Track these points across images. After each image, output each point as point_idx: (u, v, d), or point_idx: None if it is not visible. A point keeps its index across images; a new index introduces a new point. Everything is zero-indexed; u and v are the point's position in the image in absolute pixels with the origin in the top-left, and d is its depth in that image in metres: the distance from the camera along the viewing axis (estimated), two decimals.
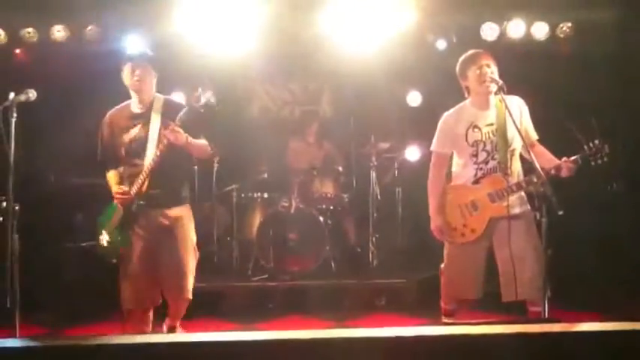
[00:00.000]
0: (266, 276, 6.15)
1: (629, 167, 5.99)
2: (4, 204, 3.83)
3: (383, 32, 6.32)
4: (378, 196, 6.81)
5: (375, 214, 6.72)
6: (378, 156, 6.84)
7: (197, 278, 4.55)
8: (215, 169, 6.49)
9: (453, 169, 4.22)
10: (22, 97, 3.96)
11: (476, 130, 4.08)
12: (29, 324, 4.46)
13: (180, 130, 4.06)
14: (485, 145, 4.06)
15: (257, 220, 6.61)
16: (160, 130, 4.17)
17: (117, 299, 4.37)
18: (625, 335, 2.15)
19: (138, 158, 4.21)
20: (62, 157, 6.43)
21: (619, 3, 6.12)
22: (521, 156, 4.09)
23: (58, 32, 6.29)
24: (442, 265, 4.27)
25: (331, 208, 6.59)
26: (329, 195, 6.61)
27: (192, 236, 4.31)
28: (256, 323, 5.39)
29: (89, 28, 6.29)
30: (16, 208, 3.84)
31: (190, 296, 4.26)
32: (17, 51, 6.50)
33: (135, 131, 4.25)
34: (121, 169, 4.30)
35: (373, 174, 6.76)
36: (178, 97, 6.94)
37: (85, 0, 6.18)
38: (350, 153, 7.35)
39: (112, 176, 4.33)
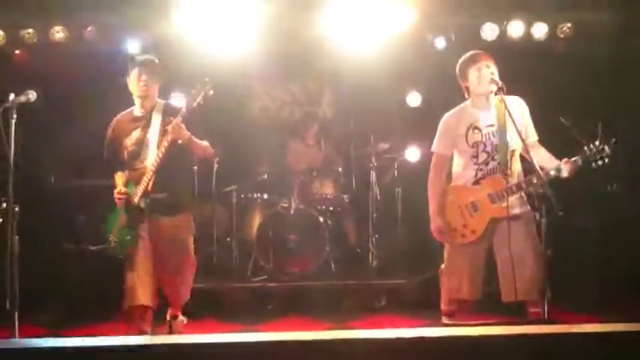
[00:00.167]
0: (266, 277, 6.14)
1: (628, 168, 5.99)
2: (4, 205, 3.84)
3: (383, 33, 6.32)
4: (378, 197, 6.81)
5: (374, 215, 6.71)
6: (378, 156, 6.83)
7: (197, 279, 4.62)
8: (215, 169, 6.47)
9: (454, 169, 4.23)
10: (22, 98, 3.97)
11: (476, 131, 4.08)
12: (29, 325, 4.46)
13: (183, 126, 4.16)
14: (485, 146, 4.06)
15: (257, 220, 6.60)
16: (160, 130, 4.28)
17: (116, 300, 4.40)
18: (625, 336, 2.15)
19: (139, 160, 4.33)
20: (62, 158, 6.44)
21: (618, 3, 6.11)
22: (521, 156, 4.10)
23: (58, 33, 6.28)
24: (442, 266, 4.27)
25: (331, 208, 6.59)
26: (329, 196, 6.60)
27: (190, 246, 4.46)
28: (256, 324, 5.38)
29: (89, 28, 6.28)
30: (16, 209, 3.84)
31: (186, 296, 4.51)
32: (17, 52, 6.49)
33: (136, 134, 4.36)
34: (127, 172, 4.43)
35: (373, 174, 6.75)
36: (178, 97, 6.99)
37: (84, 1, 6.18)
38: (350, 153, 7.34)
39: (119, 178, 4.46)
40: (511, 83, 3.97)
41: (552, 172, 3.88)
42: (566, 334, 2.23)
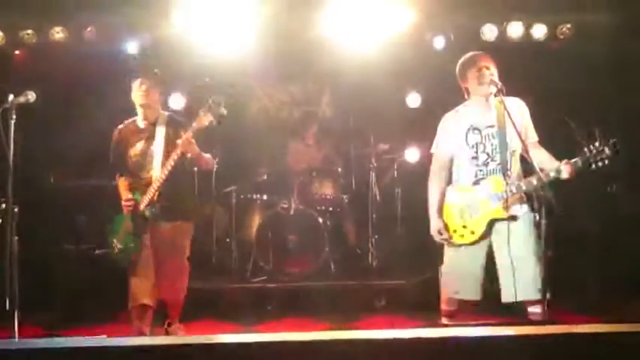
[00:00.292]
0: (265, 277, 6.14)
1: (628, 169, 5.99)
2: (4, 205, 3.84)
3: (382, 33, 6.32)
4: (378, 198, 6.81)
5: (374, 216, 6.71)
6: (378, 157, 6.84)
7: (196, 279, 4.66)
8: (214, 170, 6.48)
9: (453, 170, 4.22)
10: (22, 99, 3.97)
11: (476, 131, 4.08)
12: (28, 325, 4.46)
13: (193, 141, 4.37)
14: (485, 147, 4.06)
15: (256, 221, 6.60)
16: (164, 142, 4.48)
17: (116, 301, 4.42)
18: (624, 337, 2.15)
19: (144, 171, 4.52)
20: (61, 159, 6.43)
21: (618, 4, 6.12)
22: (521, 157, 4.09)
23: (58, 34, 6.28)
24: (442, 267, 4.27)
25: (330, 209, 6.59)
26: (328, 196, 6.60)
27: (184, 250, 4.63)
28: (255, 325, 5.38)
29: (88, 29, 6.28)
30: (16, 209, 3.84)
31: (183, 297, 4.67)
32: (17, 52, 6.49)
33: (140, 145, 4.55)
34: (129, 178, 4.61)
35: (372, 175, 6.76)
36: (178, 98, 7.00)
37: (84, 1, 6.18)
38: (349, 154, 7.34)
39: (122, 183, 4.64)
40: (511, 84, 3.97)
41: (552, 174, 3.87)
42: (566, 335, 2.23)
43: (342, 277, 6.28)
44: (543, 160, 3.99)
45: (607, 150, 3.75)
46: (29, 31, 6.26)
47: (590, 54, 6.29)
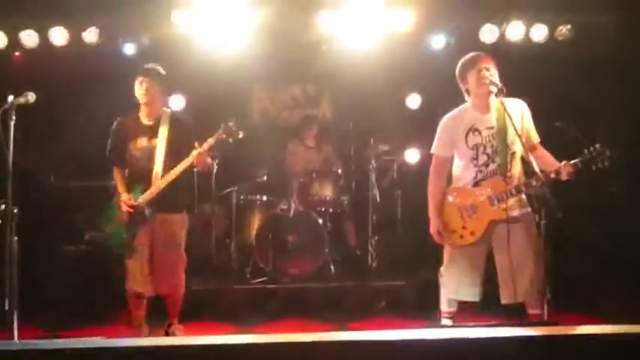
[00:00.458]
0: (265, 278, 6.14)
1: (628, 170, 5.99)
2: (3, 206, 3.83)
3: (382, 35, 6.32)
4: (378, 199, 6.80)
5: (374, 217, 6.71)
6: (378, 158, 6.83)
7: (196, 280, 4.67)
8: (214, 171, 6.48)
9: (453, 171, 4.22)
10: (21, 100, 3.97)
11: (476, 133, 4.08)
12: (28, 326, 4.46)
13: (209, 157, 4.63)
14: (485, 149, 4.05)
15: (256, 222, 6.59)
16: (167, 140, 4.59)
17: (116, 302, 4.43)
18: (625, 338, 2.15)
19: (144, 168, 4.59)
20: (61, 160, 6.43)
21: (618, 5, 6.12)
22: (522, 159, 4.09)
23: (58, 34, 6.27)
24: (441, 268, 4.26)
25: (330, 210, 6.58)
26: (328, 197, 6.60)
27: (181, 241, 4.72)
28: (255, 326, 5.38)
29: (89, 30, 6.28)
30: (15, 210, 3.84)
31: (182, 291, 4.75)
32: (16, 53, 6.49)
33: (142, 142, 4.63)
34: (126, 170, 4.69)
35: (372, 176, 6.75)
36: (178, 99, 7.00)
37: (84, 2, 6.18)
38: (349, 155, 7.34)
39: (118, 174, 4.71)
40: (510, 85, 3.97)
41: (552, 175, 3.87)
42: (565, 336, 2.22)
43: (342, 278, 6.28)
44: (544, 161, 3.99)
45: (608, 152, 3.76)
46: (29, 32, 6.26)
47: (590, 55, 6.29)
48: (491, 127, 4.05)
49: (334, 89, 8.01)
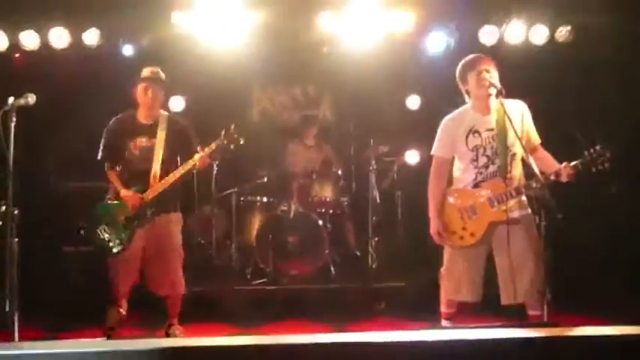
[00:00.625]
0: (265, 280, 6.15)
1: (629, 171, 5.99)
2: (4, 207, 3.83)
3: (382, 36, 6.33)
4: (378, 200, 6.80)
5: (374, 218, 6.70)
6: (378, 159, 6.83)
7: (196, 281, 4.66)
8: (214, 172, 6.48)
9: (454, 172, 4.23)
10: (22, 101, 3.96)
11: (476, 134, 4.08)
12: (28, 328, 4.45)
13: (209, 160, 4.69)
14: (485, 150, 4.06)
15: (256, 223, 6.60)
16: (165, 142, 4.64)
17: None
18: (625, 339, 2.15)
19: (143, 168, 4.63)
20: (62, 161, 6.43)
21: (618, 6, 6.12)
22: (522, 160, 4.09)
23: (58, 36, 6.28)
24: (442, 269, 4.27)
25: (330, 211, 6.58)
26: (328, 199, 6.60)
27: (178, 239, 4.77)
28: (255, 327, 5.38)
29: (89, 31, 6.28)
30: (16, 211, 3.83)
31: (182, 291, 4.75)
32: (17, 55, 6.49)
33: (141, 141, 4.67)
34: (119, 167, 4.71)
35: (372, 177, 6.75)
36: (177, 101, 7.00)
37: (84, 3, 6.18)
38: (349, 157, 7.35)
39: (113, 173, 4.73)
40: (510, 87, 3.97)
41: (552, 177, 3.88)
42: (566, 337, 2.22)
43: (342, 279, 6.28)
44: (544, 162, 3.99)
45: (608, 153, 3.76)
46: (30, 33, 6.26)
47: (590, 56, 6.29)
48: (492, 129, 4.05)
49: (334, 90, 8.01)
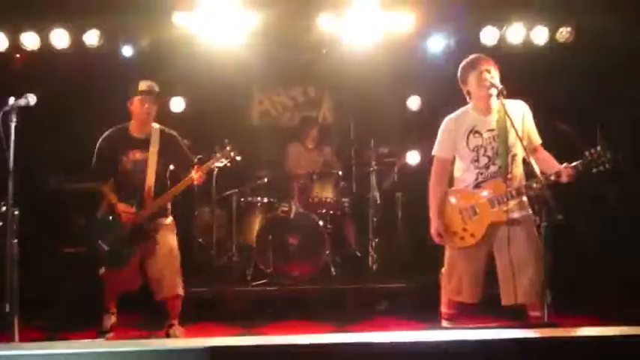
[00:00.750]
0: (266, 280, 6.13)
1: (629, 172, 5.99)
2: (4, 208, 3.83)
3: (382, 37, 6.32)
4: (378, 201, 6.80)
5: (374, 219, 6.71)
6: (378, 160, 6.83)
7: (197, 282, 4.67)
8: (215, 173, 6.48)
9: (455, 173, 4.22)
10: (22, 102, 3.96)
11: (477, 135, 4.08)
12: (28, 329, 4.45)
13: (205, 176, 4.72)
14: (486, 151, 4.05)
15: (257, 224, 6.60)
16: (157, 155, 4.68)
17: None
18: (625, 339, 2.15)
19: (137, 180, 4.66)
20: (62, 162, 6.43)
21: (619, 7, 6.12)
22: (523, 160, 4.09)
23: (58, 36, 6.28)
24: (442, 269, 4.27)
25: (331, 212, 6.58)
26: (329, 200, 6.60)
27: (173, 241, 4.80)
28: (256, 328, 5.38)
29: (89, 32, 6.28)
30: (16, 212, 3.83)
31: (181, 292, 4.77)
32: (17, 55, 6.49)
33: (134, 155, 4.69)
34: (112, 180, 4.75)
35: (373, 178, 6.75)
36: (178, 102, 7.00)
37: (85, 4, 6.18)
38: (350, 157, 7.34)
39: (106, 187, 4.76)
40: (511, 87, 3.97)
41: (553, 177, 3.87)
42: (566, 338, 2.22)
43: (343, 280, 6.27)
44: (544, 163, 3.99)
45: (609, 154, 3.76)
46: (30, 34, 6.26)
47: (590, 56, 6.29)
48: (493, 129, 4.05)
49: (335, 91, 8.01)
